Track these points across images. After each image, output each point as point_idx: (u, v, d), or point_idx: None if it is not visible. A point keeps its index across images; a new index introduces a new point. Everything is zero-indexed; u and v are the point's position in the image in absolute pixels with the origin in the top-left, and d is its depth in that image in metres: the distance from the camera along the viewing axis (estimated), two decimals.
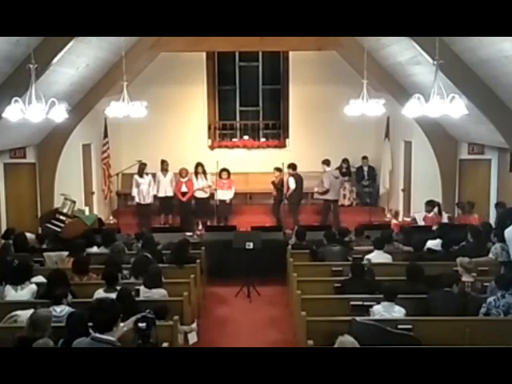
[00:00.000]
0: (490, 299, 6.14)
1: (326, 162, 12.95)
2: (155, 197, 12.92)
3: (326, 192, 12.75)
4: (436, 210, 10.68)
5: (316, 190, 12.96)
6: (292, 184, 12.72)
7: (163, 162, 12.97)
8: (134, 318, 5.01)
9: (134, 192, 12.75)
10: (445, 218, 10.69)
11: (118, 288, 6.41)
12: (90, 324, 4.80)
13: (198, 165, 12.83)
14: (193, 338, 6.64)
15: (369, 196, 14.42)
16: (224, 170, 12.81)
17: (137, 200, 12.76)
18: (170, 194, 12.93)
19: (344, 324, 5.72)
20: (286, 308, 8.56)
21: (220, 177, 12.80)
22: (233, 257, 9.51)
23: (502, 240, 8.12)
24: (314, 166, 13.80)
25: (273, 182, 12.93)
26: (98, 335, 4.37)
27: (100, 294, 6.42)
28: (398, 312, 6.08)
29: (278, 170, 12.92)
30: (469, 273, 6.82)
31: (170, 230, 10.96)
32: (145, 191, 12.62)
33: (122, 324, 5.00)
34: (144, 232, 9.90)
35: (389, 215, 12.09)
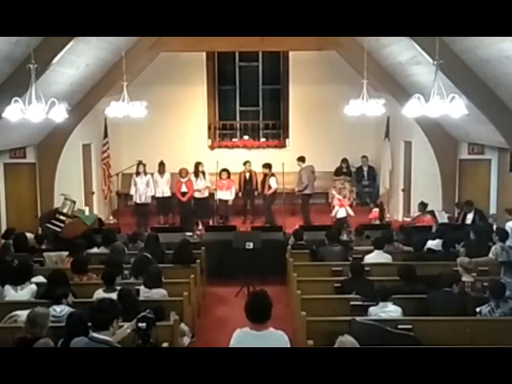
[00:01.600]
0: (485, 310, 6.03)
1: (302, 159, 12.88)
2: (153, 197, 12.90)
3: (305, 187, 12.80)
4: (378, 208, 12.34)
5: (296, 189, 12.97)
6: (274, 184, 12.77)
7: (160, 165, 12.92)
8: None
9: (132, 191, 12.76)
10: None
11: (118, 288, 6.42)
12: (90, 324, 4.82)
13: (198, 164, 12.80)
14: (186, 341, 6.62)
15: (369, 196, 14.43)
16: (224, 170, 12.79)
17: (134, 199, 12.78)
18: (168, 194, 12.92)
19: (344, 324, 5.71)
20: (286, 308, 8.55)
21: (220, 177, 12.79)
22: (233, 257, 9.51)
23: (503, 240, 8.13)
24: (314, 165, 13.79)
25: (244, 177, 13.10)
26: (95, 335, 4.41)
27: (100, 294, 6.43)
28: (394, 311, 6.08)
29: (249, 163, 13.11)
30: (469, 273, 6.81)
31: (170, 230, 10.96)
32: (141, 191, 12.59)
33: (125, 325, 5.01)
34: (138, 232, 9.85)
35: (333, 191, 12.44)
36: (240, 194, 13.10)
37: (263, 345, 4.26)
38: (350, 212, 12.01)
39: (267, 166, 12.94)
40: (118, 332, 4.78)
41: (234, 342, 4.60)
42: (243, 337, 4.53)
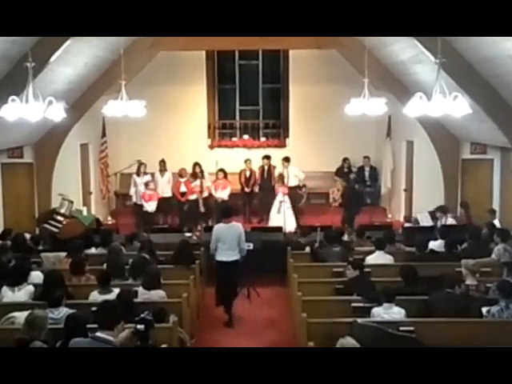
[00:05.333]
0: (494, 310, 5.96)
1: (288, 160, 12.88)
2: None
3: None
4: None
5: (304, 190, 13.07)
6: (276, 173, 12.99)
7: (161, 163, 12.89)
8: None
9: (132, 191, 12.71)
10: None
11: (113, 289, 6.40)
12: (89, 326, 4.80)
13: (196, 164, 12.76)
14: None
15: (370, 196, 14.36)
16: (220, 170, 12.72)
17: (134, 200, 12.71)
18: (168, 194, 12.86)
19: (345, 326, 5.65)
20: (286, 309, 8.51)
21: (216, 177, 12.72)
22: None
23: (505, 240, 8.06)
24: (314, 165, 13.76)
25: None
26: (98, 334, 4.42)
27: (95, 295, 6.39)
28: (397, 313, 6.03)
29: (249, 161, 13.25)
30: (474, 275, 6.73)
31: (169, 230, 10.89)
32: (142, 191, 12.54)
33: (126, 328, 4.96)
34: (137, 233, 9.77)
35: None
36: (247, 190, 13.20)
37: (229, 231, 8.02)
38: None
39: (268, 157, 13.10)
40: (122, 334, 4.74)
41: (214, 232, 8.10)
42: (219, 227, 8.14)
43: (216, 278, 8.30)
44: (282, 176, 12.57)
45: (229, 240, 8.00)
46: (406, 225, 11.07)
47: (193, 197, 12.57)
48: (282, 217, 11.64)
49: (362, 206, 12.63)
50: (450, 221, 10.25)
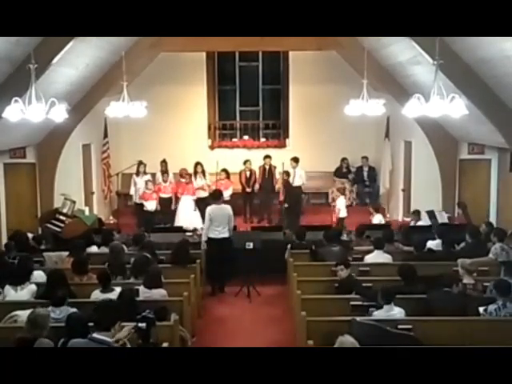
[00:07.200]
0: (491, 308, 6.00)
1: (297, 160, 12.95)
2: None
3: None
4: None
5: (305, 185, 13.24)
6: (277, 175, 13.21)
7: (162, 163, 12.96)
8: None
9: (132, 191, 12.81)
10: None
11: (115, 288, 6.45)
12: (90, 324, 4.83)
13: (197, 164, 12.84)
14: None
15: (369, 196, 14.42)
16: (223, 170, 12.85)
17: (134, 199, 12.81)
18: (169, 194, 12.91)
19: (344, 324, 5.70)
20: (286, 308, 8.55)
21: (219, 177, 12.80)
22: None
23: (502, 239, 8.12)
24: (314, 165, 13.81)
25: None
26: (95, 335, 4.41)
27: (96, 294, 6.44)
28: (398, 313, 6.04)
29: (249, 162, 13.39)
30: (470, 274, 6.77)
31: (170, 229, 10.95)
32: (141, 191, 12.61)
33: (126, 328, 5.01)
34: (142, 234, 9.81)
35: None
36: (249, 190, 13.29)
37: (221, 211, 9.17)
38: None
39: (269, 156, 13.24)
40: (119, 334, 4.79)
41: (208, 212, 9.23)
42: (212, 208, 9.24)
43: (207, 257, 9.13)
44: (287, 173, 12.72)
45: (220, 219, 9.13)
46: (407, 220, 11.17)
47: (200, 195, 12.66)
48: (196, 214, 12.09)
49: (301, 205, 12.96)
50: (377, 218, 10.88)
